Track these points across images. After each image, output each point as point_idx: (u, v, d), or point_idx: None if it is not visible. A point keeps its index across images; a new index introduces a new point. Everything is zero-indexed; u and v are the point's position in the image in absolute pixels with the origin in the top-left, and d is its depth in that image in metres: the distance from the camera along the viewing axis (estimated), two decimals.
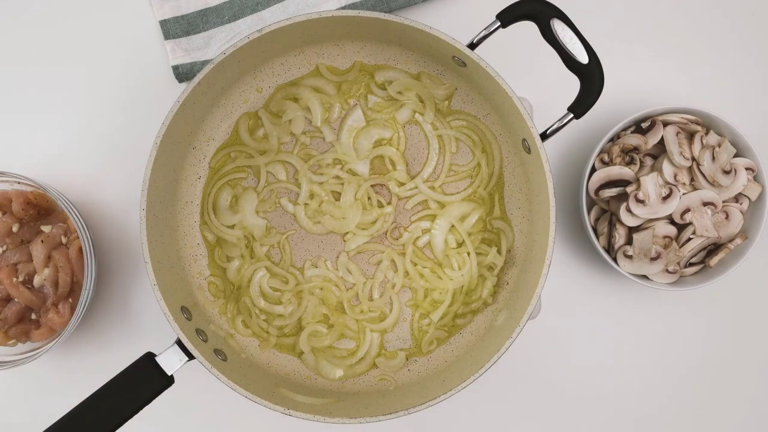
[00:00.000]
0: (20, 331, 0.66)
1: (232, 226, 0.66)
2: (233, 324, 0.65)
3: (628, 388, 0.71)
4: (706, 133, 0.65)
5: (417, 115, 0.66)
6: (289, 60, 0.65)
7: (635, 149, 0.66)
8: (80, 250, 0.65)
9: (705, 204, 0.64)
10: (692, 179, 0.65)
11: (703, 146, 0.64)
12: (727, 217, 0.65)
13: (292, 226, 0.67)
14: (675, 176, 0.65)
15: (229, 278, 0.66)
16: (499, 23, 0.55)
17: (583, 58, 0.54)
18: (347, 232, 0.66)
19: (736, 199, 0.66)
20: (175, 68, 0.70)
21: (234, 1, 0.70)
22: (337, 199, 0.66)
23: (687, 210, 0.64)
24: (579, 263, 0.71)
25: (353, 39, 0.64)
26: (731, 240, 0.66)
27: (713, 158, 0.64)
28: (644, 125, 0.66)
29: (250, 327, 0.66)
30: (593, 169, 0.66)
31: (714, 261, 0.66)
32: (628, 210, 0.64)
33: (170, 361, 0.55)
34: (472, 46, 0.56)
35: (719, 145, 0.65)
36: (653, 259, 0.64)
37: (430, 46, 0.59)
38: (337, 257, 0.66)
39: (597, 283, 0.71)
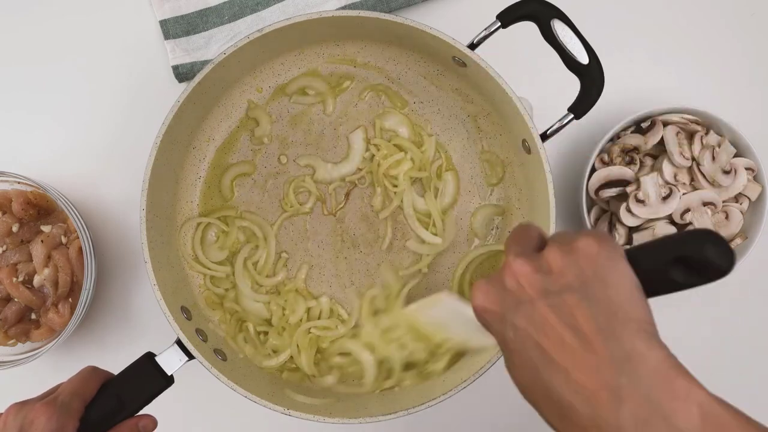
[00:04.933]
0: (20, 331, 0.66)
1: (221, 262, 0.66)
2: (234, 341, 0.64)
3: None
4: (706, 133, 0.65)
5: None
6: (289, 60, 0.65)
7: (635, 149, 0.66)
8: (80, 250, 0.65)
9: (705, 204, 0.64)
10: (692, 179, 0.65)
11: (703, 146, 0.64)
12: (727, 217, 0.65)
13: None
14: (675, 176, 0.65)
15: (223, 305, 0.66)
16: (499, 23, 0.55)
17: (584, 58, 0.54)
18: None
19: (736, 199, 0.66)
20: (175, 68, 0.70)
21: (234, 1, 0.70)
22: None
23: (687, 210, 0.64)
24: None
25: (353, 39, 0.64)
26: (731, 240, 0.66)
27: (713, 158, 0.64)
28: (644, 125, 0.66)
29: (249, 343, 0.65)
30: (593, 169, 0.66)
31: None
32: (628, 210, 0.64)
33: (170, 361, 0.55)
34: (472, 46, 0.56)
35: (719, 145, 0.65)
36: None
37: (430, 46, 0.59)
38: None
39: None
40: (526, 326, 0.35)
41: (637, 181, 0.64)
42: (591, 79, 0.54)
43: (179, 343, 0.56)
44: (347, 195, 0.66)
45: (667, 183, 0.64)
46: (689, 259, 0.35)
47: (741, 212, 0.65)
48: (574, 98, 0.55)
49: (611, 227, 0.67)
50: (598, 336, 0.33)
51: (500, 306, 0.36)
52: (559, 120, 0.55)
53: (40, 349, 0.66)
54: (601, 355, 0.32)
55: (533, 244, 0.39)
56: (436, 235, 0.65)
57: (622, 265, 0.35)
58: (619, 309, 0.34)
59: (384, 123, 0.66)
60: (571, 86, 0.54)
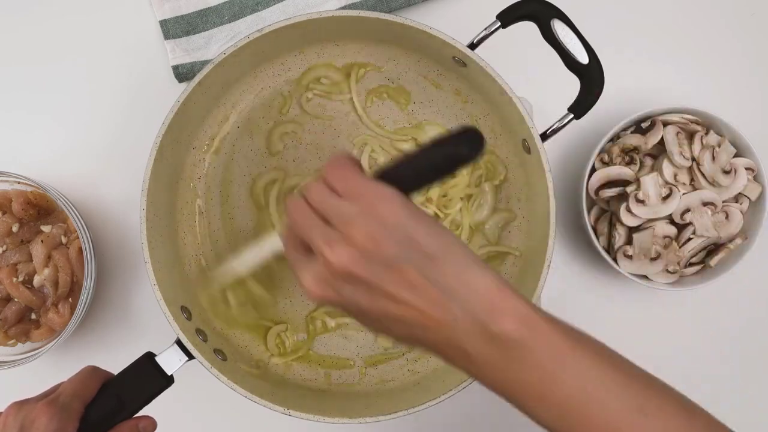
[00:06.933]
0: (20, 331, 0.66)
1: None
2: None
3: None
4: (706, 133, 0.65)
5: None
6: (289, 60, 0.65)
7: (635, 149, 0.66)
8: (80, 250, 0.65)
9: (705, 204, 0.64)
10: (692, 179, 0.65)
11: (703, 146, 0.64)
12: (727, 217, 0.65)
13: None
14: (675, 176, 0.65)
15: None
16: (499, 23, 0.55)
17: (584, 58, 0.54)
18: None
19: (736, 199, 0.66)
20: (175, 68, 0.70)
21: (234, 1, 0.70)
22: None
23: (687, 210, 0.64)
24: (579, 263, 0.71)
25: (353, 39, 0.64)
26: (731, 240, 0.66)
27: (713, 158, 0.64)
28: (644, 125, 0.66)
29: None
30: (593, 169, 0.66)
31: (714, 261, 0.66)
32: (628, 210, 0.64)
33: (170, 361, 0.55)
34: (472, 46, 0.56)
35: (719, 145, 0.65)
36: (653, 259, 0.64)
37: (430, 46, 0.59)
38: None
39: (597, 283, 0.71)
40: (369, 303, 0.39)
41: (637, 181, 0.64)
42: (591, 79, 0.54)
43: (179, 343, 0.56)
44: None
45: (667, 183, 0.64)
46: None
47: (741, 212, 0.65)
48: (574, 98, 0.55)
49: (611, 227, 0.67)
50: (427, 283, 0.38)
51: (338, 295, 0.40)
52: (559, 120, 0.55)
53: (40, 349, 0.66)
54: (434, 295, 0.38)
55: (321, 221, 0.40)
56: None
57: (419, 214, 0.40)
58: (435, 255, 0.39)
59: (426, 134, 0.65)
60: (571, 86, 0.54)
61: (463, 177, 0.65)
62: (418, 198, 0.65)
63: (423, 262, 0.38)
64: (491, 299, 0.38)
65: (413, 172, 0.41)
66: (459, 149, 0.40)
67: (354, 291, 0.39)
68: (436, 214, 0.65)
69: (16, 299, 0.66)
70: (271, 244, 0.53)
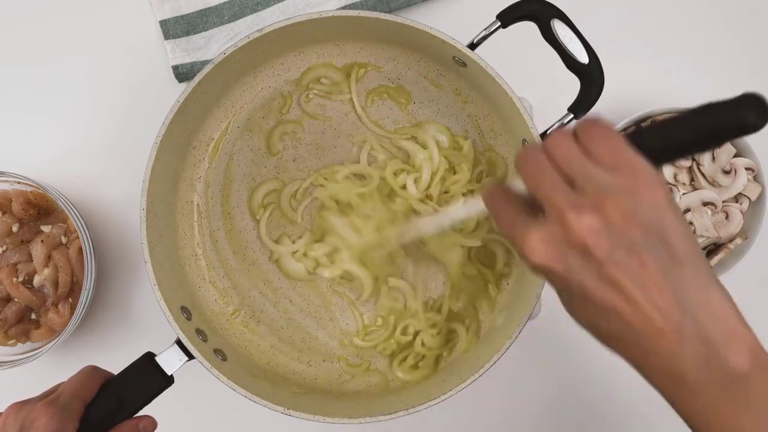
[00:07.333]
0: (20, 331, 0.66)
1: None
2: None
3: (628, 388, 0.71)
4: None
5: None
6: (289, 60, 0.65)
7: None
8: (80, 250, 0.65)
9: (705, 204, 0.64)
10: (692, 179, 0.65)
11: None
12: (727, 217, 0.66)
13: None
14: (675, 176, 0.65)
15: None
16: (499, 23, 0.55)
17: (584, 58, 0.54)
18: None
19: (736, 199, 0.66)
20: (175, 68, 0.70)
21: (234, 1, 0.70)
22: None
23: (687, 210, 0.64)
24: None
25: (353, 39, 0.64)
26: (731, 240, 0.66)
27: (713, 158, 0.64)
28: (644, 125, 0.66)
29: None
30: None
31: (714, 261, 0.66)
32: None
33: (170, 361, 0.55)
34: (472, 46, 0.56)
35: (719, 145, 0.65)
36: None
37: (430, 46, 0.59)
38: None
39: None
40: (593, 286, 0.35)
41: None
42: (591, 79, 0.54)
43: (179, 343, 0.56)
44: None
45: (667, 183, 0.64)
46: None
47: (741, 212, 0.65)
48: (574, 98, 0.55)
49: None
50: (665, 288, 0.34)
51: (564, 265, 0.35)
52: (559, 120, 0.55)
53: (40, 349, 0.66)
54: (666, 301, 0.34)
55: (565, 182, 0.36)
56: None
57: (678, 212, 0.36)
58: (681, 259, 0.35)
59: (426, 134, 0.65)
60: (571, 86, 0.54)
61: (464, 173, 0.65)
62: (417, 195, 0.65)
63: (667, 262, 0.34)
64: (731, 327, 0.35)
65: (677, 138, 0.37)
66: (743, 115, 0.36)
67: (582, 267, 0.35)
68: (435, 210, 0.65)
69: (16, 299, 0.66)
70: (466, 208, 0.50)
